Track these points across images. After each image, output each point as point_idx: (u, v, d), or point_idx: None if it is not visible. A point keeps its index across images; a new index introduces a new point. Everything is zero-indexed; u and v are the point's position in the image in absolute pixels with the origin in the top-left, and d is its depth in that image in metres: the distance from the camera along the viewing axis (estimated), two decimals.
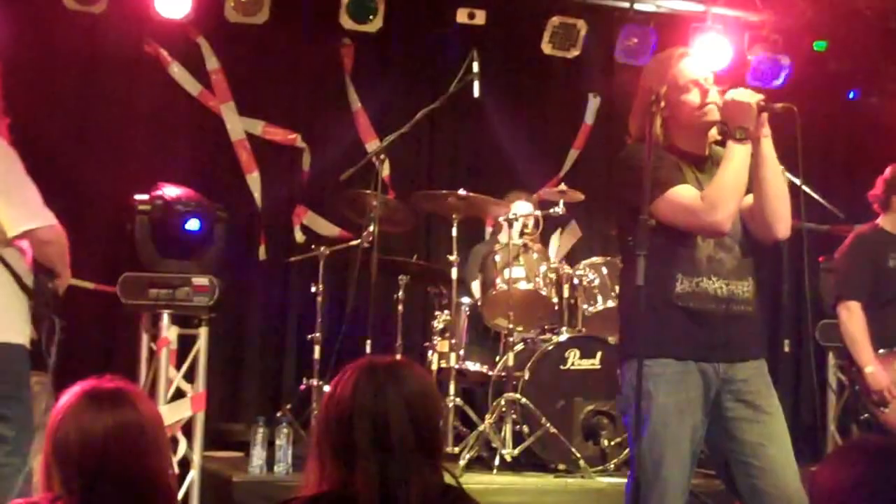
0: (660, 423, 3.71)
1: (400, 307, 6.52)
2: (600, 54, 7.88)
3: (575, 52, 7.65)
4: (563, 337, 6.16)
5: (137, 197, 5.55)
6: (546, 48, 7.58)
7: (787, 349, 6.34)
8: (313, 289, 6.47)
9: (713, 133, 3.82)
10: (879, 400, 5.19)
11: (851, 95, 8.14)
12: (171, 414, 5.31)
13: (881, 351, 5.31)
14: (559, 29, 7.53)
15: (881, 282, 5.38)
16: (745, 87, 3.83)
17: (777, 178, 3.73)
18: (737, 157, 3.68)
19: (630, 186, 3.79)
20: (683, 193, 3.71)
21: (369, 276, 5.81)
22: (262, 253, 7.33)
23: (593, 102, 8.16)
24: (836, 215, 6.10)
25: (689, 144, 3.84)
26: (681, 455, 3.71)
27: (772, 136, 3.67)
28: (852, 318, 5.32)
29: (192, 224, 5.53)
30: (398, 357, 2.56)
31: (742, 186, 3.70)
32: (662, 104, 3.78)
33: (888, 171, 5.51)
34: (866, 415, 5.26)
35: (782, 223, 3.79)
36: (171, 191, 5.56)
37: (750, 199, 3.83)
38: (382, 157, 6.12)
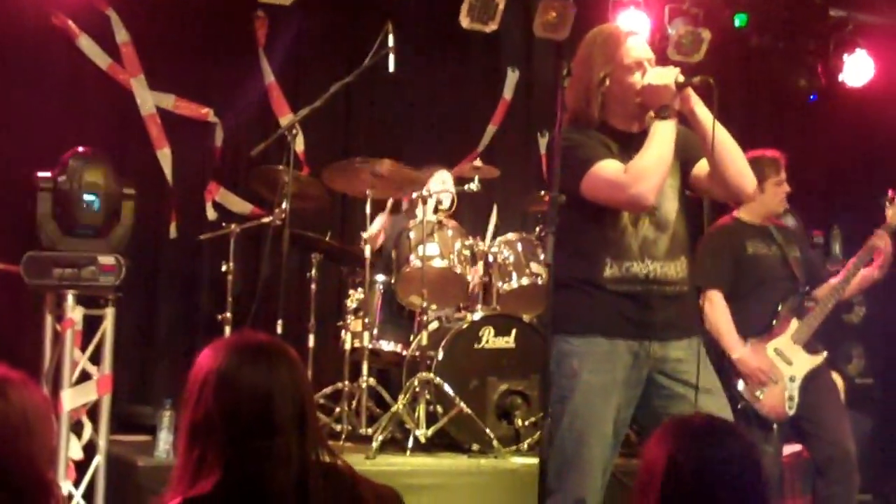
0: (583, 401, 3.70)
1: (313, 286, 6.41)
2: (519, 28, 7.81)
3: (493, 26, 7.54)
4: (478, 315, 6.09)
5: (40, 174, 5.38)
6: (464, 21, 7.47)
7: None
8: (224, 267, 6.33)
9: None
10: (755, 384, 5.21)
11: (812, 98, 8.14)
12: (76, 397, 5.16)
13: (750, 340, 5.35)
14: (477, 2, 7.41)
15: (743, 270, 5.42)
16: (666, 61, 3.84)
17: (725, 137, 3.75)
18: (659, 132, 3.72)
19: (560, 168, 3.78)
20: (607, 167, 3.72)
21: (281, 255, 5.71)
22: (172, 231, 7.16)
23: (511, 77, 8.10)
24: None
25: (625, 123, 3.86)
26: (603, 434, 3.71)
27: None
28: (714, 308, 5.34)
29: (92, 201, 5.35)
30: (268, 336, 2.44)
31: (666, 160, 3.72)
32: (608, 83, 3.78)
33: None
34: (742, 404, 5.27)
35: (746, 178, 3.83)
36: (75, 168, 5.39)
37: (706, 167, 3.82)
38: (295, 131, 6.00)
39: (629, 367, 3.76)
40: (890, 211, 5.44)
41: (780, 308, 5.39)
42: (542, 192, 6.47)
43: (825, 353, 5.46)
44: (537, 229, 6.46)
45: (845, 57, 7.74)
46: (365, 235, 6.26)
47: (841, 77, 7.79)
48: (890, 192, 5.49)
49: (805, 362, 5.36)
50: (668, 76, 3.71)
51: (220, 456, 2.21)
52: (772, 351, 5.34)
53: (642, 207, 3.74)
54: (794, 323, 5.38)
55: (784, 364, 5.33)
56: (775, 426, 5.30)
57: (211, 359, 2.29)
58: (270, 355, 2.32)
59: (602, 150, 3.76)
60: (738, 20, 7.80)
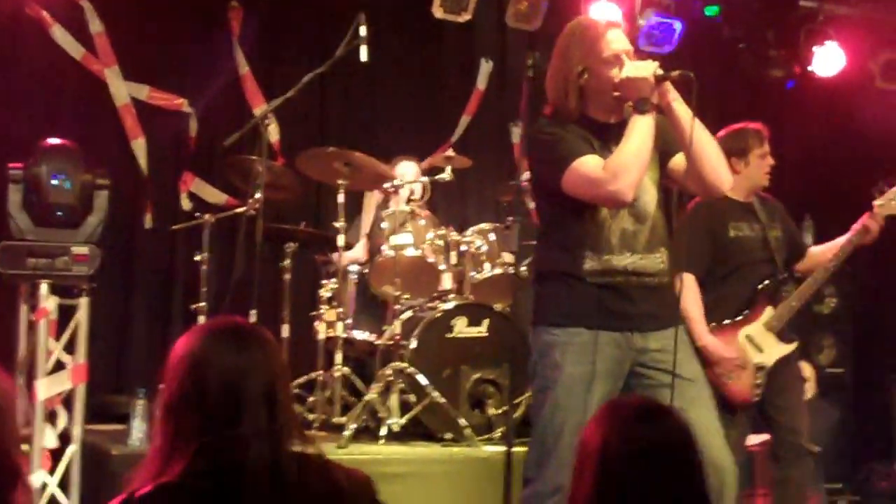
0: (565, 392, 3.75)
1: (287, 275, 6.43)
2: (492, 19, 7.83)
3: (466, 16, 7.56)
4: (450, 304, 6.12)
5: (11, 165, 5.39)
6: (437, 12, 7.49)
7: None
8: (198, 258, 6.35)
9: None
10: (720, 372, 5.23)
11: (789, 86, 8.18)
12: (51, 386, 5.18)
13: (726, 322, 5.34)
14: None
15: (721, 253, 5.37)
16: (637, 52, 3.88)
17: (702, 134, 3.81)
18: (638, 127, 3.75)
19: (539, 162, 3.83)
20: (586, 164, 3.76)
21: (255, 245, 5.73)
22: (147, 221, 7.18)
23: (485, 67, 8.13)
24: None
25: (604, 115, 3.91)
26: (583, 425, 3.72)
27: None
28: (686, 292, 5.16)
29: (63, 191, 5.36)
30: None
31: (645, 156, 3.76)
32: (586, 76, 3.82)
33: (719, 138, 5.50)
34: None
35: (722, 174, 3.89)
36: (46, 158, 5.39)
37: (682, 162, 3.86)
38: (267, 122, 6.02)
39: (611, 358, 3.81)
40: (879, 200, 5.38)
41: (755, 294, 5.37)
42: (513, 182, 6.50)
43: (796, 343, 5.48)
44: (509, 219, 6.49)
45: (816, 48, 7.78)
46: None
47: (811, 68, 7.84)
48: (880, 182, 5.46)
49: (776, 350, 5.35)
50: (646, 69, 3.75)
51: (191, 441, 2.22)
52: (743, 337, 5.32)
53: (621, 203, 3.78)
54: (769, 310, 5.36)
55: (754, 351, 5.31)
56: (740, 412, 5.31)
57: (185, 342, 2.31)
58: (243, 336, 2.33)
59: (581, 144, 3.79)
60: (709, 11, 7.84)
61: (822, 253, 5.48)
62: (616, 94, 3.82)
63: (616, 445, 2.23)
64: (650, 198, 3.92)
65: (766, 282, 5.38)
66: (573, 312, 3.81)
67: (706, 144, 3.81)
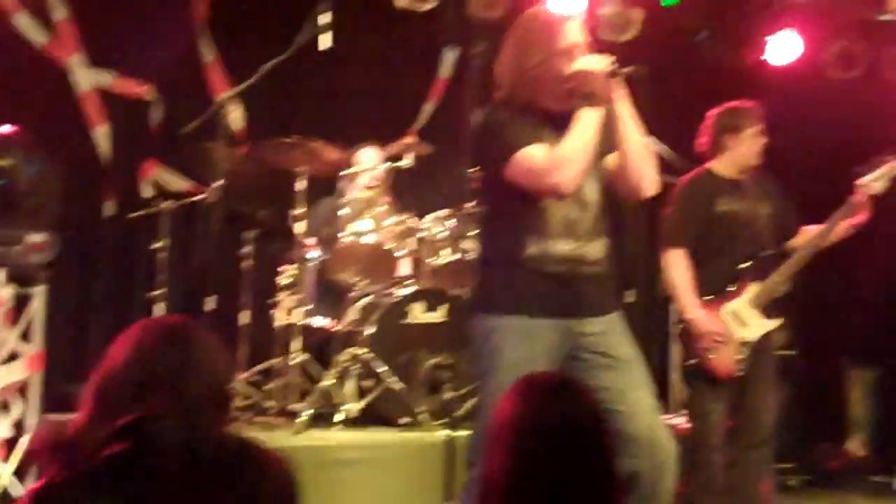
0: (505, 377, 3.77)
1: (246, 263, 6.48)
2: (455, 7, 7.85)
3: (430, 5, 7.60)
4: (408, 291, 6.18)
5: None
6: (400, 1, 7.53)
7: (631, 299, 6.44)
8: (155, 245, 6.39)
9: None
10: (705, 346, 5.31)
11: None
12: (5, 375, 5.22)
13: (711, 296, 5.37)
14: None
15: (709, 228, 5.41)
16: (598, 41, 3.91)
17: (636, 138, 3.85)
18: (584, 120, 3.78)
19: (484, 150, 3.88)
20: (530, 154, 3.79)
21: (214, 232, 5.78)
22: (109, 208, 7.20)
23: (449, 55, 8.16)
24: (686, 166, 6.15)
25: (555, 105, 3.91)
26: None
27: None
28: (676, 266, 5.35)
29: (18, 179, 5.37)
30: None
31: (589, 149, 3.79)
32: (541, 66, 3.85)
33: (712, 114, 5.59)
34: (692, 361, 5.37)
35: (646, 181, 3.93)
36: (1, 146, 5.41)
37: (613, 162, 3.93)
38: (228, 109, 6.06)
39: (550, 343, 3.86)
40: (862, 180, 5.42)
41: (741, 269, 5.41)
42: (471, 170, 6.56)
43: (780, 320, 5.53)
44: (468, 204, 6.55)
45: (771, 36, 7.85)
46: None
47: (767, 56, 7.91)
48: (865, 164, 5.49)
49: (760, 326, 5.40)
50: (599, 63, 3.77)
51: (106, 423, 2.25)
52: (727, 312, 5.37)
53: (563, 195, 3.82)
54: (754, 286, 5.41)
55: (738, 326, 5.36)
56: (722, 387, 5.35)
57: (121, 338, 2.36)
58: (161, 328, 2.39)
59: (528, 133, 3.82)
60: (667, 0, 7.90)
61: (811, 232, 5.54)
62: (568, 85, 3.86)
63: (527, 421, 2.28)
64: (594, 187, 3.96)
65: (753, 258, 5.43)
66: (513, 300, 3.86)
67: (639, 148, 3.86)
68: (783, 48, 7.88)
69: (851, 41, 8.21)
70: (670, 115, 7.88)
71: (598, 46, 3.96)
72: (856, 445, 8.13)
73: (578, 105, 3.81)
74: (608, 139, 3.92)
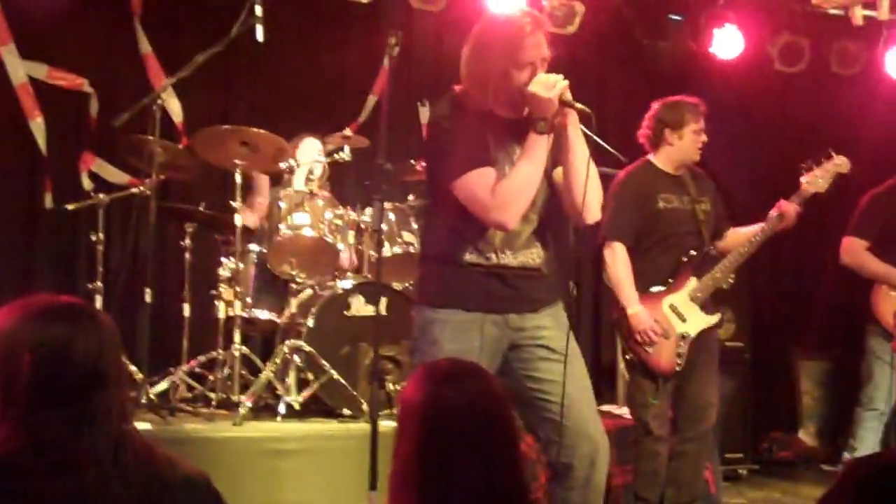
0: None
1: (187, 255, 6.41)
2: None
3: None
4: (348, 283, 6.14)
5: None
6: None
7: (573, 292, 6.43)
8: (94, 238, 6.31)
9: None
10: (643, 341, 5.30)
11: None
12: None
13: (653, 289, 5.42)
14: None
15: (649, 223, 5.44)
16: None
17: (583, 167, 3.81)
18: (533, 151, 3.79)
19: (435, 153, 3.86)
20: (478, 182, 3.78)
21: (150, 225, 5.72)
22: (48, 201, 7.09)
23: (392, 47, 8.09)
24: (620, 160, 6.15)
25: (507, 112, 3.90)
26: None
27: None
28: (615, 260, 5.37)
29: None
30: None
31: (535, 181, 3.82)
32: (500, 77, 3.80)
33: (655, 107, 5.59)
34: (631, 355, 5.38)
35: (589, 210, 3.90)
36: None
37: (560, 176, 3.93)
38: (161, 101, 6.00)
39: (489, 336, 3.89)
40: (805, 178, 5.51)
41: (681, 264, 5.44)
42: (413, 161, 6.54)
43: (719, 315, 5.56)
44: (410, 197, 6.52)
45: (716, 30, 7.89)
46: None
47: (711, 50, 7.94)
48: (808, 161, 5.55)
49: (699, 321, 5.44)
50: (553, 90, 3.72)
51: (16, 419, 2.20)
52: (667, 307, 5.39)
53: (503, 230, 3.84)
54: (693, 280, 5.43)
55: (678, 321, 5.39)
56: (662, 380, 5.37)
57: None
58: (60, 311, 2.30)
59: (478, 149, 3.80)
60: None
61: (742, 234, 5.56)
62: (523, 103, 3.82)
63: (428, 406, 2.33)
64: (540, 196, 3.95)
65: (692, 253, 5.45)
66: (454, 294, 3.89)
67: (588, 178, 3.83)
68: (727, 43, 7.91)
69: (797, 35, 8.27)
70: (613, 108, 7.94)
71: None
72: (806, 435, 8.20)
73: (530, 125, 3.79)
74: (556, 154, 3.91)
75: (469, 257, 3.88)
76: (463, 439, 2.29)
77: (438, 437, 2.30)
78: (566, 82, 3.75)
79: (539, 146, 3.78)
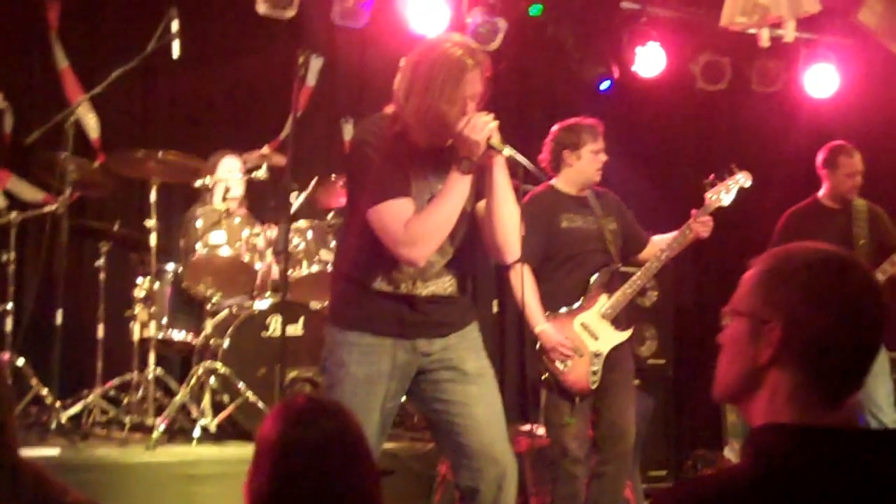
0: (350, 391, 3.79)
1: (101, 275, 6.30)
2: (319, 15, 7.77)
3: (291, 13, 7.49)
4: (265, 303, 6.07)
5: None
6: (261, 7, 7.39)
7: (494, 310, 6.41)
8: (4, 257, 6.17)
9: None
10: (556, 357, 5.29)
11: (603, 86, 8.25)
12: None
13: (563, 309, 5.39)
14: None
15: (554, 244, 5.43)
16: None
17: (506, 209, 3.81)
18: (454, 190, 3.73)
19: (355, 175, 3.81)
20: (392, 214, 3.71)
21: (67, 243, 5.61)
22: None
23: (315, 64, 8.04)
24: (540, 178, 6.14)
25: (431, 142, 3.83)
26: (368, 423, 3.75)
27: None
28: (522, 282, 5.34)
29: None
30: None
31: (451, 221, 3.76)
32: (433, 111, 3.71)
33: (553, 130, 5.60)
34: (547, 376, 5.36)
35: (507, 250, 3.90)
36: None
37: (482, 209, 3.89)
38: (81, 117, 5.90)
39: (395, 360, 3.85)
40: (709, 193, 5.52)
41: (590, 282, 5.42)
42: (333, 177, 6.49)
43: (631, 330, 5.54)
44: (329, 216, 6.46)
45: (638, 48, 7.92)
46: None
47: (634, 68, 7.97)
48: (711, 176, 5.56)
49: (611, 338, 5.42)
50: (483, 133, 3.65)
51: None
52: (578, 325, 5.37)
53: (412, 266, 3.79)
54: (603, 298, 5.42)
55: (590, 339, 5.37)
56: (579, 399, 5.35)
57: None
58: None
59: (397, 178, 3.74)
60: (533, 10, 7.91)
61: (659, 243, 5.57)
62: (451, 139, 3.76)
63: (283, 443, 2.32)
64: (459, 231, 3.89)
65: (600, 271, 5.44)
66: (363, 317, 3.84)
67: (508, 222, 3.82)
68: (649, 61, 7.95)
69: (718, 54, 8.34)
70: (535, 124, 7.93)
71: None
72: (731, 452, 8.22)
73: (454, 162, 3.73)
74: (480, 187, 3.87)
75: (379, 285, 3.83)
76: (317, 478, 2.30)
77: (292, 475, 2.30)
78: (496, 123, 3.69)
79: (461, 185, 3.73)
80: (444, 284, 3.93)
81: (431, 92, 3.70)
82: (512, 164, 3.77)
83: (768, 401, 1.93)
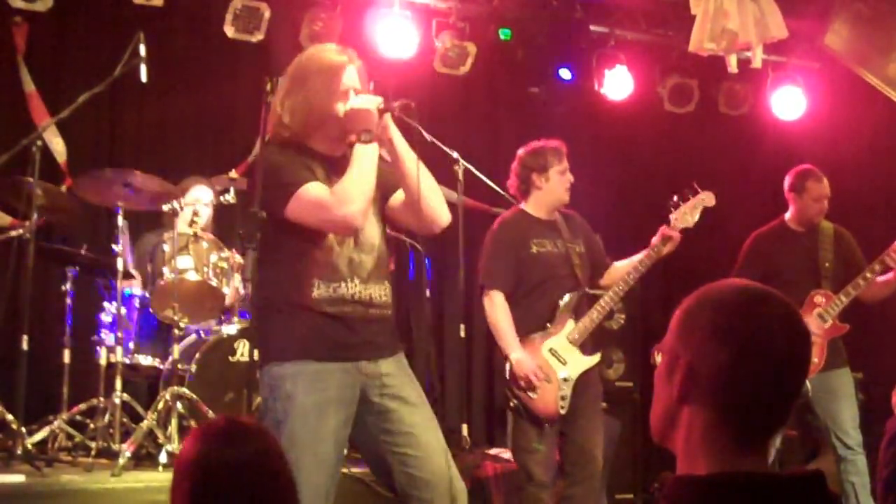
0: (299, 424, 3.73)
1: (68, 300, 6.25)
2: (287, 38, 7.77)
3: (259, 36, 7.50)
4: (233, 328, 6.04)
5: None
6: (229, 31, 7.41)
7: (462, 334, 6.38)
8: None
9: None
10: (527, 386, 5.29)
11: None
12: None
13: (532, 335, 5.41)
14: (242, 12, 7.36)
15: (524, 269, 5.46)
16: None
17: (420, 168, 3.86)
18: (361, 156, 3.79)
19: (264, 188, 3.81)
20: (312, 190, 3.75)
21: (33, 268, 5.58)
22: None
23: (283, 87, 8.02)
24: (510, 200, 6.15)
25: (328, 148, 3.90)
26: (320, 456, 3.73)
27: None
28: (495, 308, 5.41)
29: None
30: None
31: (369, 183, 3.79)
32: (317, 110, 3.82)
33: (519, 154, 5.64)
34: (515, 401, 5.36)
35: (438, 211, 3.94)
36: None
37: (401, 197, 3.91)
38: (43, 141, 5.87)
39: (342, 384, 3.81)
40: (673, 215, 5.54)
41: (558, 307, 5.44)
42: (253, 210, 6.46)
43: (599, 355, 5.56)
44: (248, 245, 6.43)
45: (607, 71, 7.96)
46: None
47: (602, 91, 8.02)
48: (675, 197, 5.59)
49: (579, 363, 5.43)
50: (370, 102, 3.80)
51: None
52: (546, 351, 5.39)
53: (350, 229, 3.81)
54: (571, 323, 5.44)
55: (558, 364, 5.38)
56: (547, 425, 5.36)
57: None
58: None
59: (305, 172, 3.79)
60: (503, 34, 7.95)
61: (623, 267, 5.58)
62: (341, 126, 3.83)
63: (201, 465, 2.31)
64: (375, 230, 3.96)
65: (568, 296, 5.45)
66: (301, 345, 3.79)
67: (424, 179, 3.87)
68: (617, 84, 7.99)
69: (686, 76, 8.39)
70: (504, 147, 7.94)
71: (375, 90, 3.94)
72: None
73: (354, 142, 3.80)
74: (383, 187, 3.93)
75: (317, 293, 3.79)
76: (236, 499, 2.29)
77: (211, 496, 2.29)
78: (381, 98, 3.82)
79: (366, 154, 3.79)
80: (380, 290, 3.93)
81: (308, 87, 3.84)
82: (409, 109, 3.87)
83: (685, 440, 1.95)
